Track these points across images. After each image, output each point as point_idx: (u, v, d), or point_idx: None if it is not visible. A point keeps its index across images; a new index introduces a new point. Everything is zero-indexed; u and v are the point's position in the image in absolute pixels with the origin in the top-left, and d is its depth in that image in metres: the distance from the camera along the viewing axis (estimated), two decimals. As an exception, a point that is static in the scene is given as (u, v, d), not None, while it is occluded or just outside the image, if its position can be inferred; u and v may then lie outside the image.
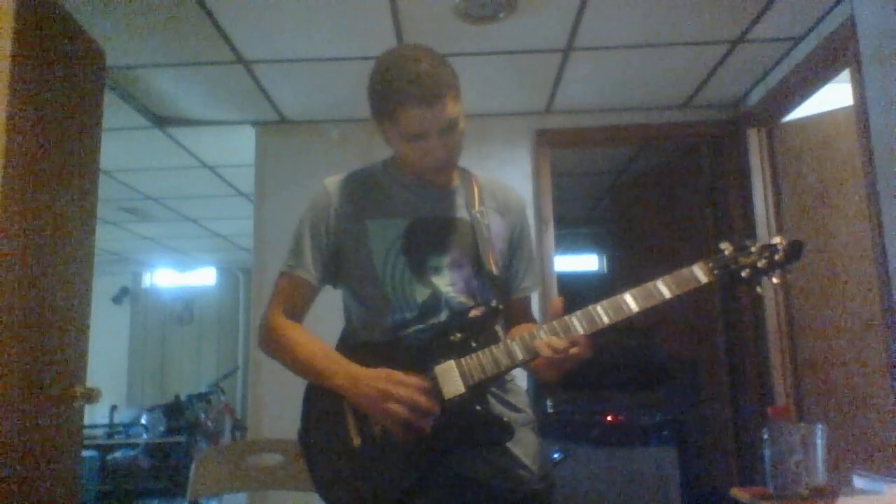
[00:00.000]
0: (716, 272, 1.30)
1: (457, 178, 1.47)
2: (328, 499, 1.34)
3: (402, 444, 1.23)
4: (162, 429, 6.46)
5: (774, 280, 1.33)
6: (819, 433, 1.76)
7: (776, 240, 1.34)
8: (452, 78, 1.31)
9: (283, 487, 2.07)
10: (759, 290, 1.35)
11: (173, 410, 6.62)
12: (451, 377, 1.26)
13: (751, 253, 1.32)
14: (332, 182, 1.45)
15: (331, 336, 1.46)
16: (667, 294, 1.27)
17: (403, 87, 1.26)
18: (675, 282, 1.28)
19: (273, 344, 1.40)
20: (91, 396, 2.12)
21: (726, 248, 1.33)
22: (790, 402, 3.01)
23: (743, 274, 1.31)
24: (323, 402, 1.33)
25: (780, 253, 1.32)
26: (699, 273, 1.29)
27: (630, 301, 1.27)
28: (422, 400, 1.21)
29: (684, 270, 1.29)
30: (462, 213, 1.43)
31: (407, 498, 1.28)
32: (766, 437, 1.81)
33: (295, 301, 1.42)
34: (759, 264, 1.31)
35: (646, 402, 2.92)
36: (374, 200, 1.42)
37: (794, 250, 1.32)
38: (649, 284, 1.28)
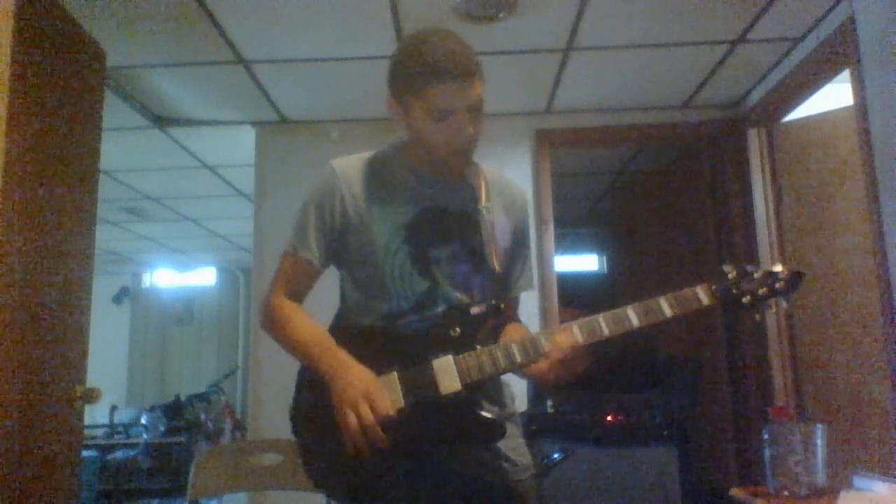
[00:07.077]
0: (718, 295, 1.34)
1: (466, 171, 1.46)
2: (316, 482, 1.36)
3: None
4: (162, 429, 6.44)
5: (773, 309, 1.37)
6: (819, 433, 1.76)
7: (778, 268, 1.37)
8: (478, 62, 1.33)
9: (283, 487, 2.07)
10: (757, 317, 1.40)
11: (173, 410, 6.60)
12: (450, 373, 1.26)
13: (753, 279, 1.36)
14: (341, 164, 1.44)
15: (328, 317, 1.46)
16: (668, 313, 1.31)
17: (437, 61, 1.26)
18: (678, 301, 1.32)
19: (272, 325, 1.41)
20: (91, 396, 2.12)
21: (730, 271, 1.36)
22: (790, 402, 3.01)
23: (744, 300, 1.35)
24: (315, 386, 1.33)
25: (781, 282, 1.36)
26: (702, 295, 1.33)
27: (632, 316, 1.30)
28: (377, 433, 1.19)
29: (687, 291, 1.34)
30: (469, 206, 1.43)
31: (392, 489, 1.28)
32: (766, 437, 1.82)
33: (297, 282, 1.42)
34: (761, 292, 1.35)
35: (646, 402, 2.91)
36: (382, 186, 1.41)
37: (795, 281, 1.36)
38: (652, 301, 1.32)
